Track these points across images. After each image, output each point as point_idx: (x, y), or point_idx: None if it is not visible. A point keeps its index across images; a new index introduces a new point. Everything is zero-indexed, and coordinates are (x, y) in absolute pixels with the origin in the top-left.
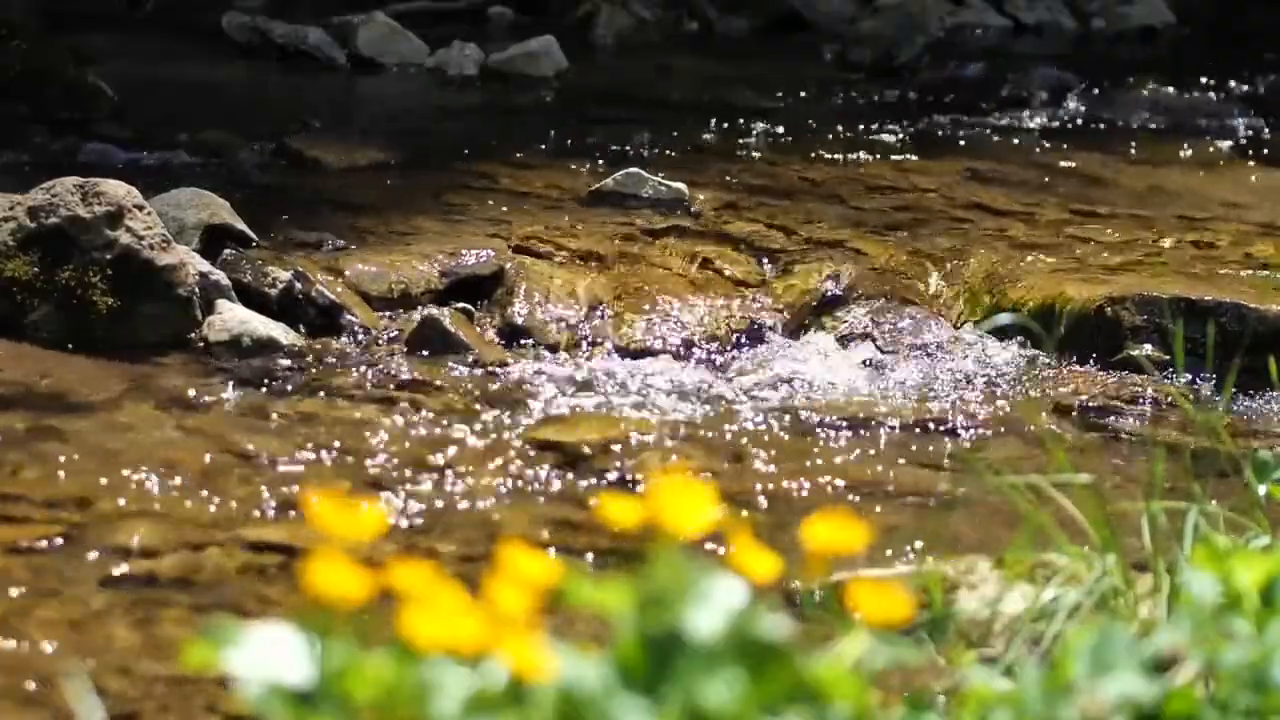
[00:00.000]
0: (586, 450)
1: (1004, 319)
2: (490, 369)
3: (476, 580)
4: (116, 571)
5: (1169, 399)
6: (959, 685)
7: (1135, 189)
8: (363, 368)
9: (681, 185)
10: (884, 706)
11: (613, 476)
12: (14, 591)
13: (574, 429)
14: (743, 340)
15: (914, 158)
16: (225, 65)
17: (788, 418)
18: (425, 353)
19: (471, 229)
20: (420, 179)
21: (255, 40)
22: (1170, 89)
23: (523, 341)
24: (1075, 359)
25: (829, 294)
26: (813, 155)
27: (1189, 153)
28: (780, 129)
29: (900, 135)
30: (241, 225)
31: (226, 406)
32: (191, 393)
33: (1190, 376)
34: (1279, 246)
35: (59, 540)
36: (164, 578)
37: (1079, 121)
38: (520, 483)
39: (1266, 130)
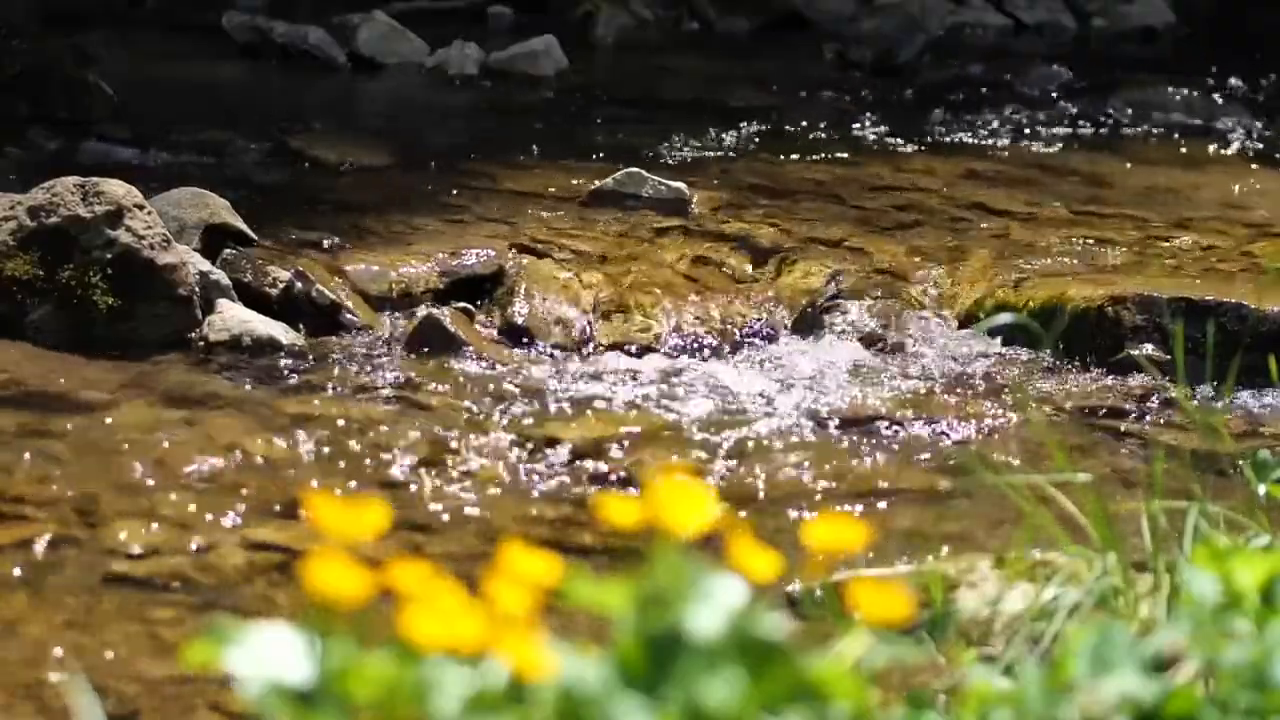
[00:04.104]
0: (586, 449)
1: (1004, 319)
2: (490, 368)
3: (476, 580)
4: (116, 571)
5: (1169, 399)
6: (959, 684)
7: (1135, 189)
8: (363, 367)
9: (681, 185)
10: (884, 706)
11: (613, 475)
12: (14, 591)
13: (574, 428)
14: (742, 339)
15: (914, 158)
16: (225, 65)
17: (788, 417)
18: (426, 352)
19: (471, 229)
20: (420, 179)
21: (255, 40)
22: (1170, 89)
23: (523, 340)
24: (1075, 359)
25: (829, 293)
26: (813, 155)
27: (1189, 153)
28: (780, 128)
29: (900, 135)
30: (241, 225)
31: (227, 406)
32: (191, 392)
33: (1190, 376)
34: (1279, 246)
35: (59, 540)
36: (164, 578)
37: (1079, 121)
38: (521, 482)
39: (1266, 130)
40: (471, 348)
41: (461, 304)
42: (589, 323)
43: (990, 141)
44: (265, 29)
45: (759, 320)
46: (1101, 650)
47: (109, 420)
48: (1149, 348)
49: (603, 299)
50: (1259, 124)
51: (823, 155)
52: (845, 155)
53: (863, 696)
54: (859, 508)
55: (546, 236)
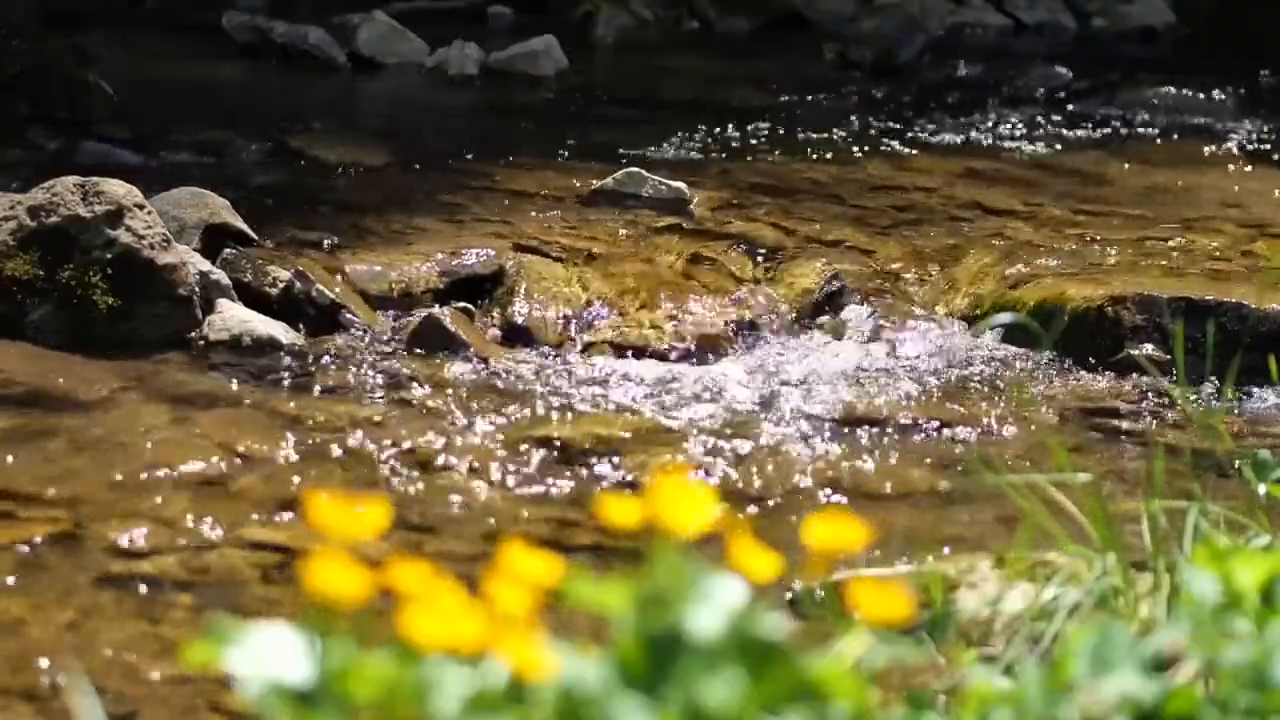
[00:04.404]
0: (586, 449)
1: (1004, 318)
2: (490, 368)
3: (476, 580)
4: (116, 571)
5: (1169, 399)
6: (959, 684)
7: (1135, 189)
8: (363, 367)
9: (681, 184)
10: (884, 706)
11: (613, 476)
12: (14, 591)
13: (574, 427)
14: (742, 339)
15: (914, 158)
16: (225, 65)
17: (788, 417)
18: (425, 352)
19: (471, 228)
20: (420, 179)
21: (255, 40)
22: (1170, 89)
23: (523, 340)
24: (1075, 359)
25: (829, 293)
26: (813, 155)
27: (1189, 153)
28: (780, 128)
29: (900, 135)
30: (241, 224)
31: (227, 406)
32: (192, 392)
33: (1190, 376)
34: (1279, 246)
35: (59, 540)
36: (164, 578)
37: (1079, 121)
38: (520, 481)
39: (1266, 130)
40: (471, 348)
41: (461, 304)
42: (588, 322)
43: (990, 141)
44: (265, 29)
45: (759, 320)
46: (1101, 650)
47: (109, 420)
48: (1149, 348)
49: (602, 299)
50: (1259, 124)
51: (823, 155)
52: (845, 155)
53: (863, 696)
54: (859, 508)
55: (547, 236)
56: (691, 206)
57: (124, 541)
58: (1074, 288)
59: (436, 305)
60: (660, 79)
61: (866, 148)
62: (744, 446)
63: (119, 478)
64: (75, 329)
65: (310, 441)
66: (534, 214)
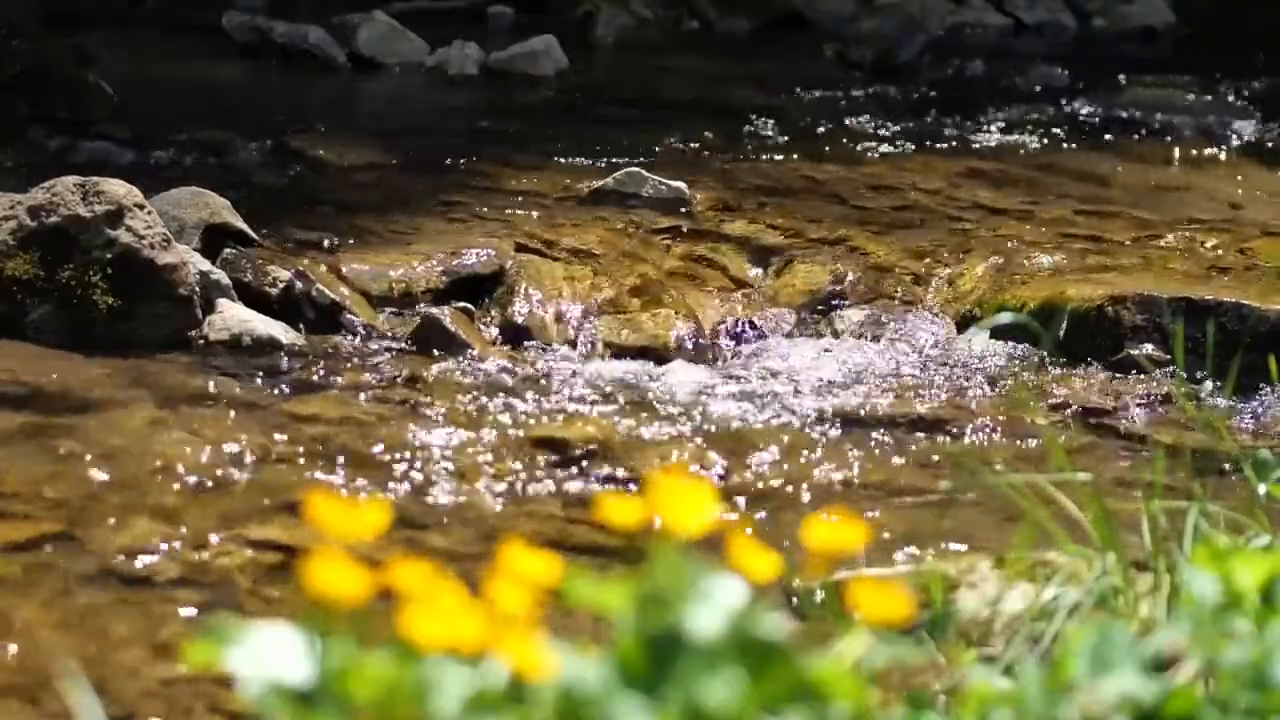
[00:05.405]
0: (586, 448)
1: (1004, 318)
2: (490, 368)
3: (476, 580)
4: (116, 571)
5: (1169, 399)
6: (959, 684)
7: (1135, 189)
8: (363, 367)
9: (681, 184)
10: (884, 706)
11: (613, 475)
12: (13, 591)
13: (574, 427)
14: (742, 339)
15: (914, 158)
16: (225, 65)
17: (788, 417)
18: (426, 351)
19: (471, 228)
20: (420, 179)
21: (255, 39)
22: (1170, 89)
23: (523, 340)
24: (1075, 359)
25: (829, 293)
26: (813, 155)
27: (1189, 153)
28: (780, 128)
29: (900, 135)
30: (242, 224)
31: (227, 406)
32: (192, 392)
33: (1190, 376)
34: (1279, 246)
35: (59, 540)
36: (164, 578)
37: (1079, 121)
38: (521, 481)
39: (1266, 130)
40: (471, 347)
41: (462, 304)
42: (589, 322)
43: (990, 141)
44: (265, 29)
45: (759, 320)
46: (1101, 650)
47: (109, 420)
48: (1149, 348)
49: (603, 299)
50: (1259, 124)
51: (823, 155)
52: (845, 155)
53: (863, 696)
54: (859, 508)
55: (547, 236)
56: (691, 206)
57: (124, 541)
58: (1074, 288)
59: (437, 305)
60: (660, 79)
61: (866, 148)
62: (744, 446)
63: (118, 477)
64: (75, 329)
65: (310, 441)
66: (534, 214)
